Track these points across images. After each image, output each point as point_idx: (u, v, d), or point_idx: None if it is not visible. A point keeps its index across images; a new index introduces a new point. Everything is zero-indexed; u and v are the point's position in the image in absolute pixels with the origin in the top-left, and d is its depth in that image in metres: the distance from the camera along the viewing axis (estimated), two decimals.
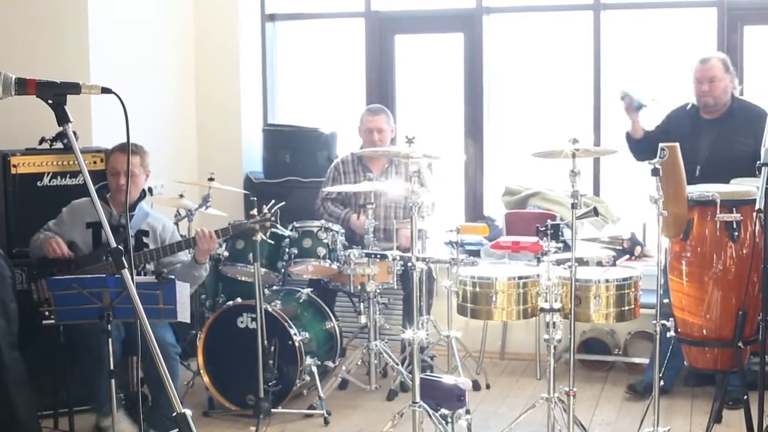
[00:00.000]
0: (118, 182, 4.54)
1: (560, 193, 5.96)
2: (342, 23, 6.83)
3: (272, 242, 4.77)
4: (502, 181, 6.34)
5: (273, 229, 4.58)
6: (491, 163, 6.51)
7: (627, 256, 4.41)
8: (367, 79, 6.61)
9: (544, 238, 4.01)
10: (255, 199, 4.63)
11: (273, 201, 4.60)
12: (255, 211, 4.55)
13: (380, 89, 6.58)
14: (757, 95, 5.95)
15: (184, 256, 4.66)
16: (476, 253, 5.76)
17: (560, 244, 4.06)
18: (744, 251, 4.00)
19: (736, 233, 3.99)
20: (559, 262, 3.99)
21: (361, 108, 5.86)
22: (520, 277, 3.99)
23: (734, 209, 3.99)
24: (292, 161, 6.24)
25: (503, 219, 6.09)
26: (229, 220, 5.04)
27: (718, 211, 3.99)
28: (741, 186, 4.49)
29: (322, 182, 5.73)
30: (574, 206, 3.84)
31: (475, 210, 6.47)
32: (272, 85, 6.82)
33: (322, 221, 5.11)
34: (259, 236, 4.50)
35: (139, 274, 4.55)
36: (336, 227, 5.13)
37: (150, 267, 4.64)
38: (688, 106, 5.11)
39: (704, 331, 4.09)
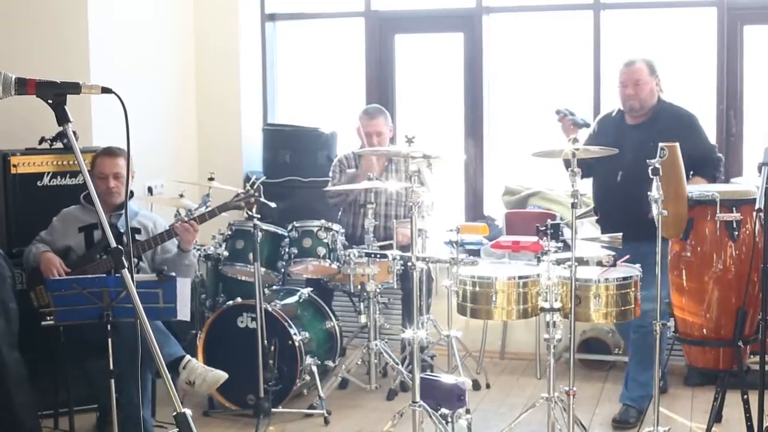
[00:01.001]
0: (108, 185, 4.56)
1: (560, 193, 5.96)
2: (342, 23, 6.83)
3: (259, 215, 4.74)
4: (502, 181, 6.34)
5: (258, 203, 4.59)
6: (491, 162, 6.51)
7: (627, 256, 4.40)
8: (367, 78, 6.61)
9: (544, 238, 4.00)
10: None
11: (254, 178, 4.64)
12: (239, 191, 4.62)
13: (380, 89, 6.58)
14: (757, 95, 5.98)
15: (173, 247, 4.67)
16: (476, 253, 5.75)
17: (560, 244, 4.05)
18: (744, 250, 4.00)
19: (736, 233, 3.99)
20: (559, 262, 3.98)
21: (362, 108, 5.86)
22: (520, 277, 3.98)
23: (734, 209, 3.99)
24: (292, 161, 6.22)
25: (503, 218, 6.09)
26: (229, 220, 5.06)
27: (718, 211, 3.99)
28: (741, 185, 4.50)
29: (322, 182, 5.75)
30: (574, 206, 3.84)
31: (475, 209, 6.47)
32: (272, 84, 6.82)
33: (322, 221, 5.10)
34: (246, 213, 4.52)
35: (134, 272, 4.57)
36: (336, 227, 5.14)
37: (143, 264, 4.65)
38: (614, 113, 5.01)
39: (704, 330, 4.09)
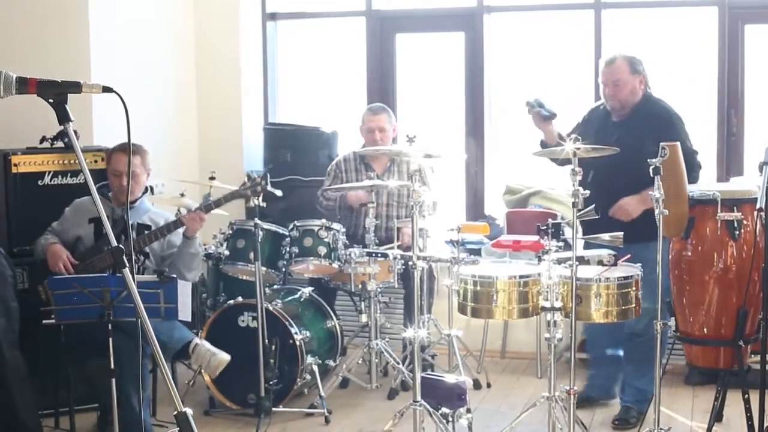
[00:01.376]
0: (121, 182, 4.55)
1: (561, 192, 5.96)
2: (343, 22, 6.84)
3: (264, 204, 4.74)
4: (503, 180, 6.34)
5: (265, 192, 4.59)
6: (492, 161, 6.51)
7: (628, 255, 4.40)
8: (368, 77, 6.62)
9: (545, 237, 4.00)
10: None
11: (262, 170, 4.65)
12: (246, 180, 4.64)
13: (381, 88, 6.58)
14: (758, 94, 5.98)
15: (178, 240, 4.66)
16: (477, 252, 5.77)
17: (561, 243, 4.05)
18: (745, 250, 4.00)
19: (737, 232, 3.99)
20: (560, 261, 3.98)
21: (363, 107, 5.87)
22: (521, 276, 3.97)
23: (735, 208, 3.99)
24: (293, 160, 6.23)
25: (504, 218, 6.09)
26: (230, 219, 5.06)
27: (719, 210, 3.99)
28: (742, 185, 4.49)
29: (323, 181, 5.73)
30: (574, 205, 3.84)
31: (476, 209, 6.47)
32: (273, 84, 6.82)
33: (323, 220, 5.11)
34: (253, 201, 4.54)
35: (139, 271, 4.57)
36: (337, 226, 5.14)
37: (150, 265, 4.65)
38: (602, 106, 4.88)
39: (705, 329, 4.09)
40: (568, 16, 6.37)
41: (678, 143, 3.93)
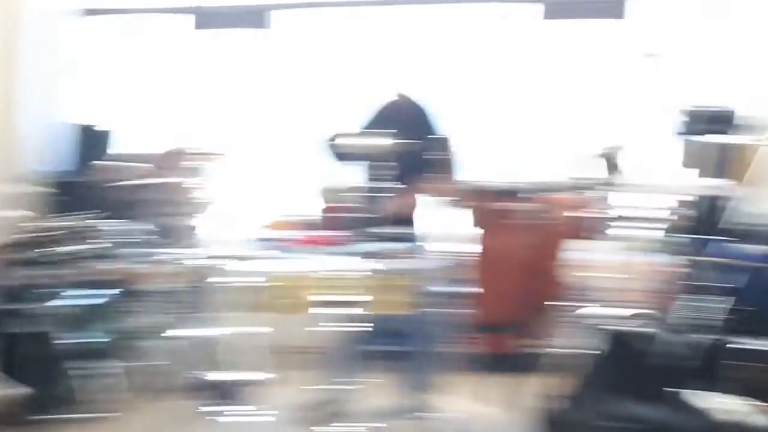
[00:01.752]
0: None
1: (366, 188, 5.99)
2: (150, 18, 6.76)
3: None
4: (317, 177, 6.35)
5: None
6: (305, 158, 6.53)
7: (420, 247, 4.48)
8: (171, 77, 6.58)
9: (351, 232, 4.02)
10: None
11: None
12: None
13: (183, 87, 6.55)
14: (560, 88, 6.18)
15: None
16: (286, 249, 5.73)
17: (365, 237, 4.08)
18: (531, 240, 4.12)
19: (532, 222, 4.09)
20: (358, 255, 4.01)
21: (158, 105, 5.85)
22: (317, 271, 3.99)
23: (530, 199, 4.10)
24: (86, 158, 6.12)
25: (316, 214, 6.10)
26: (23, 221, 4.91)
27: (512, 201, 4.10)
28: (540, 177, 4.63)
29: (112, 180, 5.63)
30: (368, 200, 3.86)
31: (288, 205, 6.47)
32: (59, 80, 6.61)
33: (106, 220, 5.03)
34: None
35: None
36: (119, 226, 5.05)
37: None
38: (387, 103, 4.81)
39: (493, 317, 4.19)
40: (356, 12, 6.51)
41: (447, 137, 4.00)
